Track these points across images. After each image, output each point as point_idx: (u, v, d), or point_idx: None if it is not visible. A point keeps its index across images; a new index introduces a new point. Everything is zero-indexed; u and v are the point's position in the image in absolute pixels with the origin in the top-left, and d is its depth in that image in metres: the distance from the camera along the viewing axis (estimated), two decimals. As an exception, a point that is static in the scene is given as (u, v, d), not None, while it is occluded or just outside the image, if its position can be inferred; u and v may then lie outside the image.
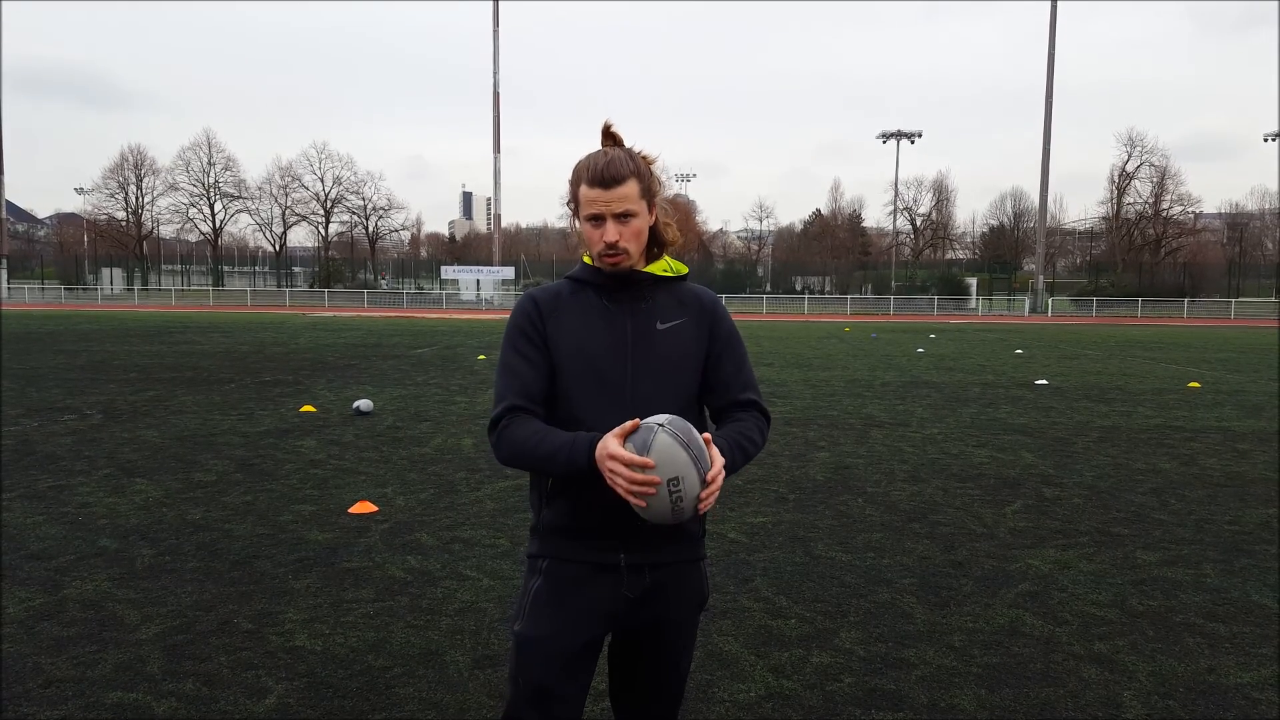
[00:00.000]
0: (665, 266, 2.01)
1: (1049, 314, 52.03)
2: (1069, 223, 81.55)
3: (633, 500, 1.72)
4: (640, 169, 1.90)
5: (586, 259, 2.00)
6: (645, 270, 1.97)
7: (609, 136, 1.96)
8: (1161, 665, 3.62)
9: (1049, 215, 61.46)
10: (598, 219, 1.88)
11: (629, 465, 1.70)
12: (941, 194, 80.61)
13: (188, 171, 72.07)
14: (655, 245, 2.00)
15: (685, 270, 2.05)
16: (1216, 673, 3.55)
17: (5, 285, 60.10)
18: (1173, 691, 3.39)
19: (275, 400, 11.07)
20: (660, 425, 1.76)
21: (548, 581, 1.97)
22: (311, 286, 65.25)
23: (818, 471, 7.22)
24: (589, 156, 1.91)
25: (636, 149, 1.96)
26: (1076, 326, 37.76)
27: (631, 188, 1.87)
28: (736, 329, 2.07)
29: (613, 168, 1.85)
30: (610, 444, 1.73)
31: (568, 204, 1.97)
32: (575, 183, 1.92)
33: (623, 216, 1.87)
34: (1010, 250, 76.51)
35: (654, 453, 1.72)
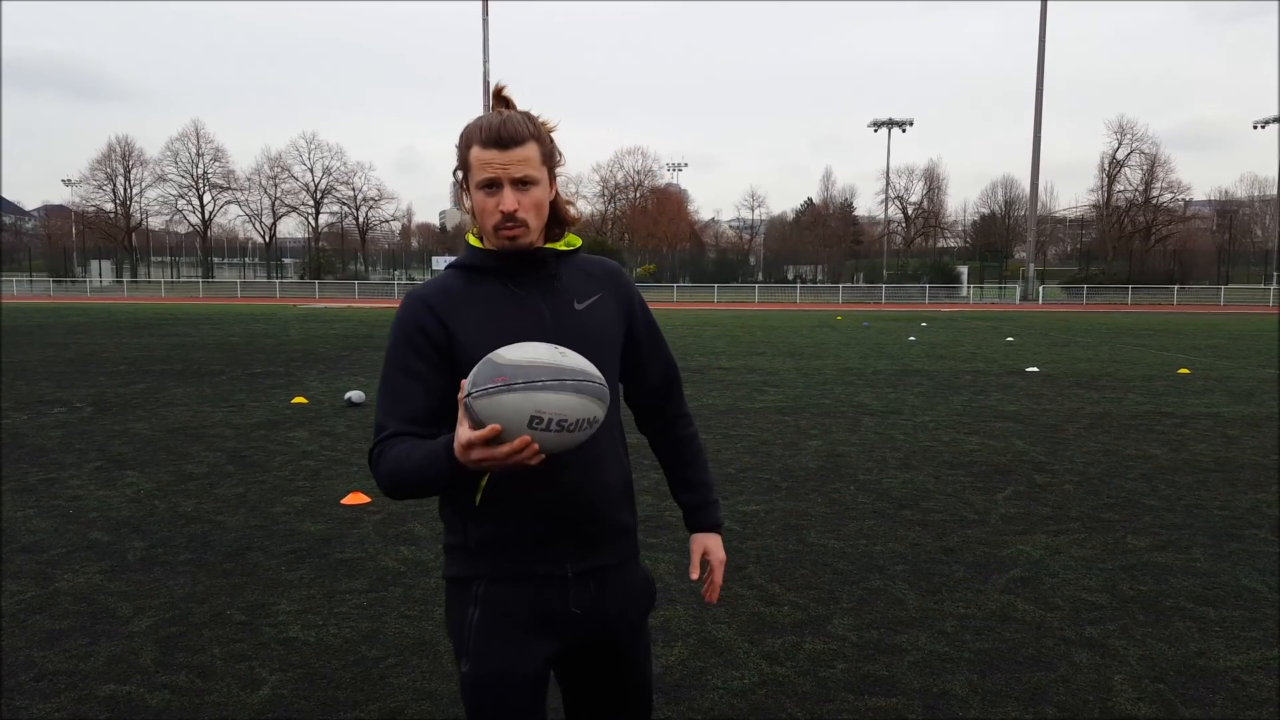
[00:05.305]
0: (564, 242, 1.82)
1: (1040, 301, 52.12)
2: (1060, 210, 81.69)
3: (529, 464, 1.46)
4: (540, 133, 1.68)
5: (472, 239, 1.78)
6: (546, 246, 1.76)
7: (501, 100, 1.74)
8: (1152, 649, 3.64)
9: (1040, 203, 61.52)
10: (493, 185, 1.65)
11: (485, 442, 1.44)
12: (933, 182, 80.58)
13: (176, 162, 71.67)
14: (556, 226, 1.79)
15: (579, 242, 1.85)
16: (1206, 656, 3.58)
17: (-7, 278, 59.69)
18: (1163, 675, 3.41)
19: (266, 392, 11.04)
20: (469, 394, 1.48)
21: (486, 608, 1.72)
22: (302, 277, 65.05)
23: (810, 460, 7.24)
24: (480, 117, 1.68)
25: (536, 114, 1.72)
26: (1067, 314, 37.87)
27: (532, 150, 1.65)
28: (646, 303, 1.93)
29: (509, 126, 1.64)
30: (460, 433, 1.46)
31: (454, 172, 1.73)
32: (465, 145, 1.68)
33: (521, 183, 1.65)
34: (1001, 238, 76.60)
35: (489, 417, 1.45)
